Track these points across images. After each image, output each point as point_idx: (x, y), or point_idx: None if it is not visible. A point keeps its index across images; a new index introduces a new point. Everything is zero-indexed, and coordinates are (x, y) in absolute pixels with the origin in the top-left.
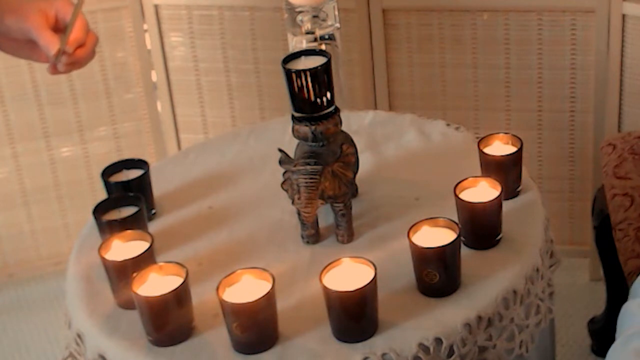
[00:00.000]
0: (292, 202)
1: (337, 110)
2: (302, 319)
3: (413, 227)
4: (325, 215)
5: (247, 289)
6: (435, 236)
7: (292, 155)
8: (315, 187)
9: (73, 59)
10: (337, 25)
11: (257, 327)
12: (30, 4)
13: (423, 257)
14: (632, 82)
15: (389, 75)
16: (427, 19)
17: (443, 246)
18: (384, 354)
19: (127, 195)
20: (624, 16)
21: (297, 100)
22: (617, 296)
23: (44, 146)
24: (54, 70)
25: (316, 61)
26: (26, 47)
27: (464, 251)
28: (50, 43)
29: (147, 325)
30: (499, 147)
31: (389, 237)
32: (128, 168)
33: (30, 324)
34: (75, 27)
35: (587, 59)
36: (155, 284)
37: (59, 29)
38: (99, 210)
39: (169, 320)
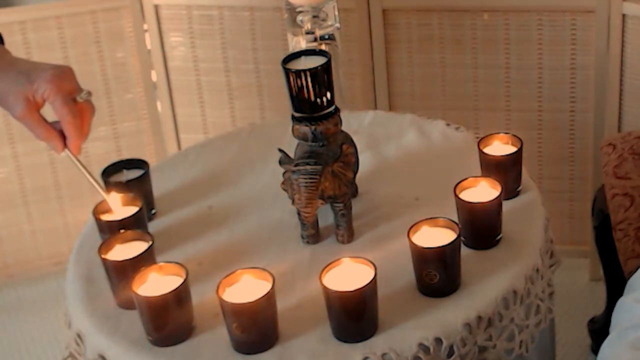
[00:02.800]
0: (292, 202)
1: (337, 110)
2: (302, 319)
3: (413, 227)
4: (325, 215)
5: (247, 289)
6: (435, 236)
7: (292, 155)
8: (315, 187)
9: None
10: (337, 25)
11: (257, 327)
12: (13, 94)
13: (423, 257)
14: (632, 82)
15: (389, 75)
16: (427, 19)
17: (443, 246)
18: (384, 354)
19: (127, 195)
20: (624, 16)
21: (297, 100)
22: (617, 296)
23: (44, 146)
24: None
25: (316, 61)
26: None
27: (464, 251)
28: (52, 142)
29: (147, 325)
30: (499, 147)
31: (389, 237)
32: (128, 168)
33: (30, 324)
34: (72, 134)
35: (587, 59)
36: (155, 284)
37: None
38: (99, 210)
39: (169, 320)
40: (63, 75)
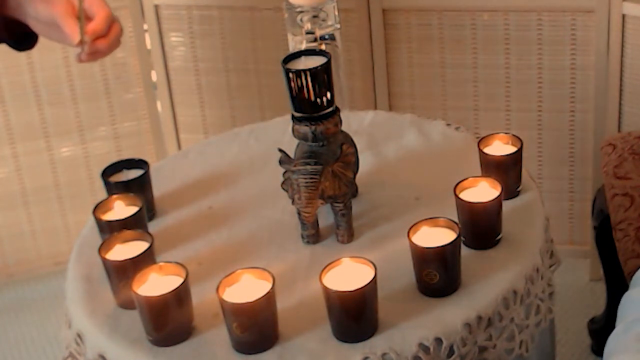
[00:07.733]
0: (292, 202)
1: (337, 110)
2: (302, 319)
3: (413, 227)
4: (325, 215)
5: (247, 289)
6: (435, 236)
7: (292, 155)
8: (315, 187)
9: (93, 49)
10: (337, 25)
11: (257, 327)
12: None
13: (423, 257)
14: (632, 82)
15: (389, 75)
16: (427, 19)
17: (443, 246)
18: (384, 354)
19: (127, 195)
20: (624, 16)
21: (297, 100)
22: (617, 296)
23: (44, 146)
24: (80, 59)
25: (316, 61)
26: (56, 31)
27: (464, 251)
28: (73, 32)
29: (147, 325)
30: (499, 147)
31: (389, 237)
32: (128, 168)
33: (30, 324)
34: (97, 18)
35: (587, 59)
36: (155, 284)
37: (87, 17)
38: (99, 210)
39: (169, 320)
40: None
